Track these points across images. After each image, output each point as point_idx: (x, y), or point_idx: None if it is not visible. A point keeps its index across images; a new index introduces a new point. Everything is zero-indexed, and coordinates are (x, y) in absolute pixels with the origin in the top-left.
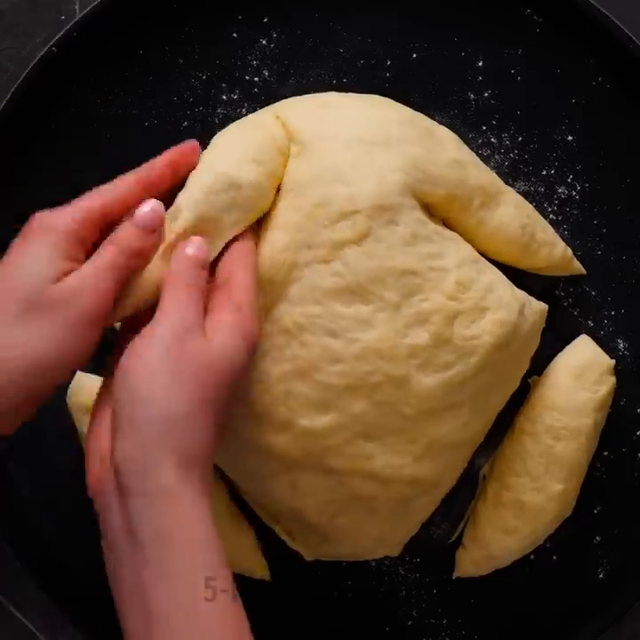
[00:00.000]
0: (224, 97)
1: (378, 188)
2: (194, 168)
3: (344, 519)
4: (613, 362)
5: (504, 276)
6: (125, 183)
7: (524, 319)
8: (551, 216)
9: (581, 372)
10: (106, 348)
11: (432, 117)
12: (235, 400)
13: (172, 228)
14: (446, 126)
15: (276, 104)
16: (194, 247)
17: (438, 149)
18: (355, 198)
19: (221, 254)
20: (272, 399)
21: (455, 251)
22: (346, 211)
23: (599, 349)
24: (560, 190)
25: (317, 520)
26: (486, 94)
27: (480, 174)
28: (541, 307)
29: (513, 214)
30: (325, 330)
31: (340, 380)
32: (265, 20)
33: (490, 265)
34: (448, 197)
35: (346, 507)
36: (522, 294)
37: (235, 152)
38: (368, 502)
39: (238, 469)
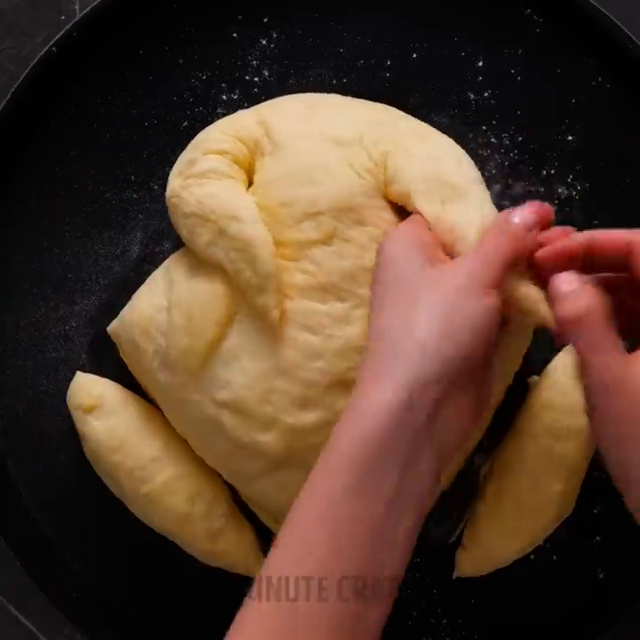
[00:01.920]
0: (224, 97)
1: (343, 189)
2: None
3: None
4: None
5: None
6: None
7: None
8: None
9: None
10: (104, 349)
11: (432, 117)
12: (219, 399)
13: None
14: (446, 126)
15: (267, 102)
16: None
17: (414, 150)
18: (317, 200)
19: None
20: (255, 397)
21: None
22: (309, 212)
23: None
24: (560, 190)
25: None
26: (486, 94)
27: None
28: None
29: (472, 215)
30: (303, 326)
31: (322, 376)
32: (265, 20)
33: None
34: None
35: None
36: None
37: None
38: None
39: (227, 469)
